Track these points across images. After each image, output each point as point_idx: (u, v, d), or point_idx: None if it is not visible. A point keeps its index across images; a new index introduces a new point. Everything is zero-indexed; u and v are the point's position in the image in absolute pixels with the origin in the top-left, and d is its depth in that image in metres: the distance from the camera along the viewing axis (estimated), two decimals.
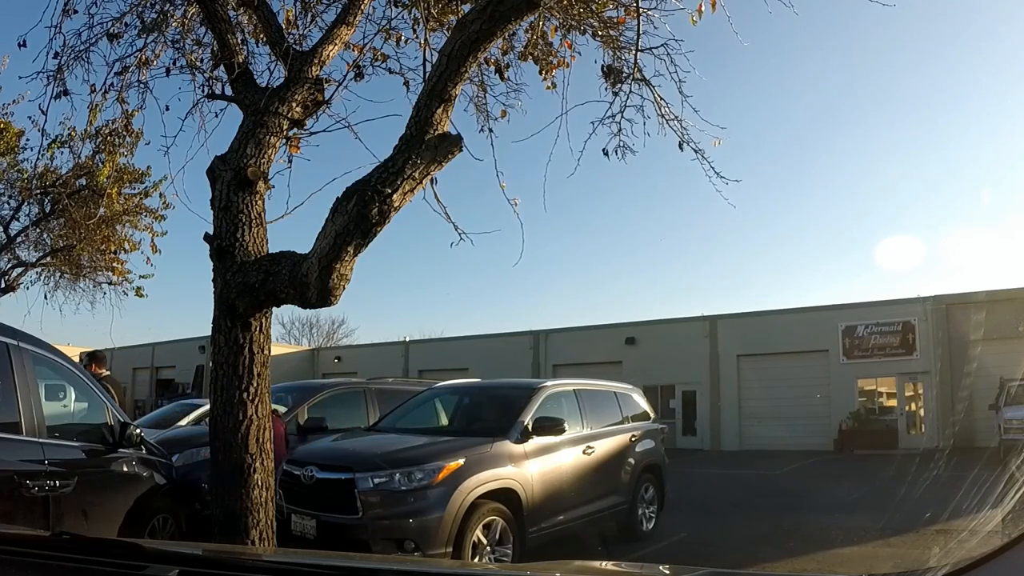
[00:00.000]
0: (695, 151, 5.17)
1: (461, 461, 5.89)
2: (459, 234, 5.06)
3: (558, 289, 62.80)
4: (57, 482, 4.55)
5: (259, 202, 4.34)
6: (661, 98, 5.22)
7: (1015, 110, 41.76)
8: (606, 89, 5.33)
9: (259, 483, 4.10)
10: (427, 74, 4.51)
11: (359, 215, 3.69)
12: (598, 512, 7.29)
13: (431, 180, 4.35)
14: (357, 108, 5.31)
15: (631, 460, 7.95)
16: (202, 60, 5.59)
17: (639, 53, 5.04)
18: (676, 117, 5.18)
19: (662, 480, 8.55)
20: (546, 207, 5.58)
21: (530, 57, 5.50)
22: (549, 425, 6.70)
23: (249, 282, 4.07)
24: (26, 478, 4.36)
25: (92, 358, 8.74)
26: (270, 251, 4.31)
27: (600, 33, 5.38)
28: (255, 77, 4.85)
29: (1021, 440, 14.15)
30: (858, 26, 48.66)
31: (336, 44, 4.75)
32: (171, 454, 6.52)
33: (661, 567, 2.08)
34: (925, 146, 47.18)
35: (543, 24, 5.35)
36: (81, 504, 4.77)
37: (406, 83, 5.50)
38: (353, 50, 5.37)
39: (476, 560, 5.64)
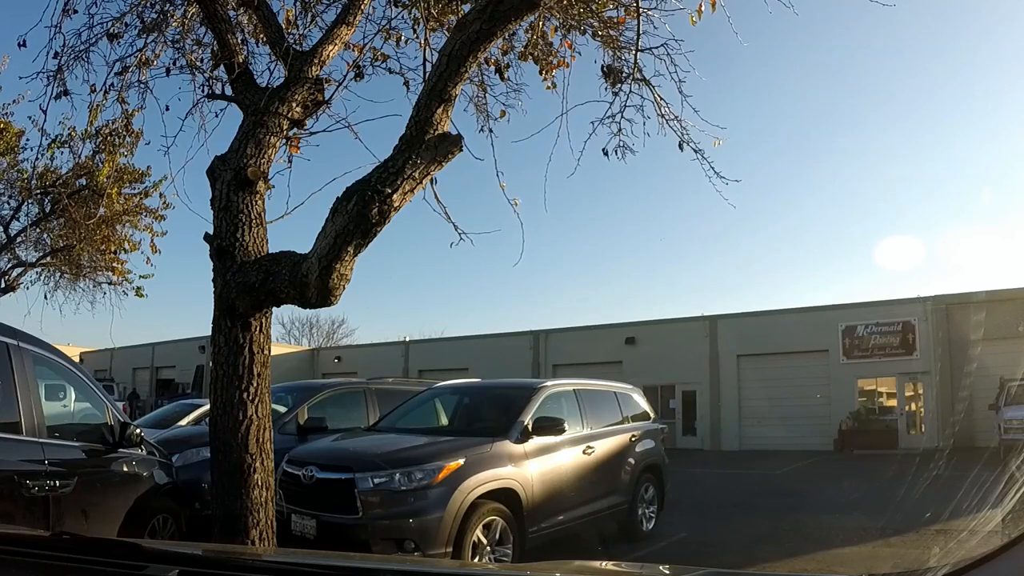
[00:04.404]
0: (695, 151, 5.17)
1: (461, 461, 5.88)
2: (459, 234, 5.08)
3: (558, 289, 62.89)
4: (57, 482, 4.55)
5: (259, 202, 4.34)
6: (661, 98, 5.22)
7: (1015, 110, 41.84)
8: (606, 89, 5.34)
9: (259, 483, 4.10)
10: (427, 74, 4.52)
11: (359, 215, 3.69)
12: (598, 512, 7.29)
13: (431, 180, 4.35)
14: (357, 108, 5.35)
15: (631, 460, 7.94)
16: (202, 60, 5.59)
17: (639, 53, 5.04)
18: (676, 117, 5.18)
19: (662, 480, 8.55)
20: (546, 207, 5.59)
21: (530, 57, 5.50)
22: (549, 425, 6.70)
23: (249, 282, 4.07)
24: (26, 478, 4.36)
25: None
26: (270, 251, 4.31)
27: (600, 33, 5.37)
28: (255, 77, 4.85)
29: (1021, 440, 14.14)
30: (858, 26, 48.68)
31: (336, 44, 4.75)
32: (171, 454, 6.51)
33: (661, 567, 2.08)
34: (925, 146, 47.26)
35: (543, 24, 5.34)
36: (81, 504, 4.77)
37: (406, 83, 5.51)
38: (353, 50, 5.37)
39: (476, 560, 5.64)
